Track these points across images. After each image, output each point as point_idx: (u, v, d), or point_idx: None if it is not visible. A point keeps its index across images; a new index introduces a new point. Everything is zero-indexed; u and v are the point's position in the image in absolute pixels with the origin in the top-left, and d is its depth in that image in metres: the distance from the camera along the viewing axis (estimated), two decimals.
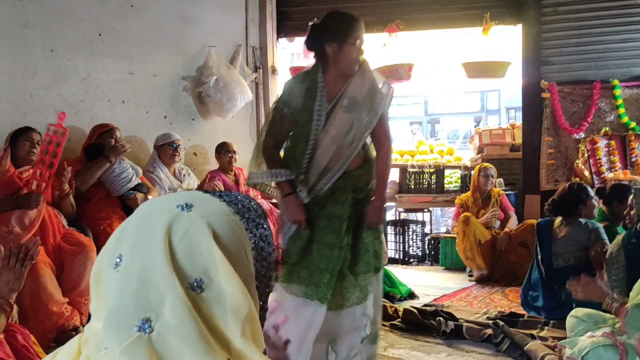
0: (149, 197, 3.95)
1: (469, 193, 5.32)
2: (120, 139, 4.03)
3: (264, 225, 0.83)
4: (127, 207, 3.86)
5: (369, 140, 2.63)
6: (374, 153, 2.65)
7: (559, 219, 3.80)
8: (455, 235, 5.21)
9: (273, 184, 2.63)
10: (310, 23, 2.55)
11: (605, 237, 3.54)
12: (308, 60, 2.71)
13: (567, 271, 3.55)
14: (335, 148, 2.49)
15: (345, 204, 2.50)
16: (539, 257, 3.75)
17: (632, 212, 3.27)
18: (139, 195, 3.89)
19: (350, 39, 2.44)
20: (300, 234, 2.51)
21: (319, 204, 2.52)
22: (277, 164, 2.53)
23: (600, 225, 3.63)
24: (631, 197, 3.36)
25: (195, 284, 0.72)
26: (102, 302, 0.77)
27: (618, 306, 2.32)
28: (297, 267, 2.49)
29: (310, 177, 2.51)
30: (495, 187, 5.33)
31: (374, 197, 2.61)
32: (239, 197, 0.83)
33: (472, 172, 5.50)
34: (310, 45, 2.55)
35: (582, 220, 3.65)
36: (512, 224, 5.09)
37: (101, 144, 3.89)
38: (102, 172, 3.79)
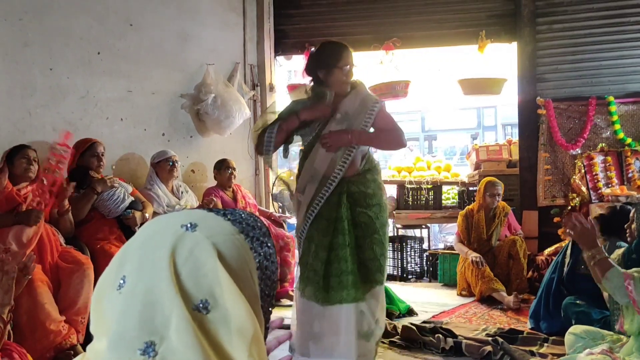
0: (146, 213, 3.93)
1: (475, 205, 5.18)
2: (104, 153, 3.95)
3: (268, 244, 0.83)
4: (124, 226, 3.83)
5: (376, 155, 2.98)
6: (377, 166, 2.96)
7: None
8: (453, 252, 5.19)
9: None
10: (310, 51, 2.92)
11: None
12: (305, 79, 3.02)
13: (584, 279, 3.54)
14: (331, 157, 2.77)
15: (338, 207, 2.75)
16: (565, 258, 3.69)
17: (632, 227, 3.27)
18: (137, 214, 3.87)
19: (337, 65, 2.78)
20: (313, 236, 2.78)
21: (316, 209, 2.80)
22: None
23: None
24: (633, 211, 3.36)
25: (200, 305, 0.72)
26: (103, 323, 0.75)
27: (601, 258, 2.30)
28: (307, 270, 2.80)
29: (310, 186, 2.79)
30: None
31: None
32: (243, 215, 0.83)
33: (478, 186, 5.25)
34: (307, 71, 2.93)
35: (619, 242, 3.53)
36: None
37: (85, 167, 3.82)
38: (90, 204, 3.73)
